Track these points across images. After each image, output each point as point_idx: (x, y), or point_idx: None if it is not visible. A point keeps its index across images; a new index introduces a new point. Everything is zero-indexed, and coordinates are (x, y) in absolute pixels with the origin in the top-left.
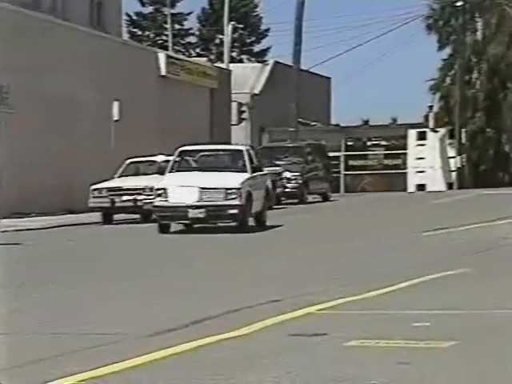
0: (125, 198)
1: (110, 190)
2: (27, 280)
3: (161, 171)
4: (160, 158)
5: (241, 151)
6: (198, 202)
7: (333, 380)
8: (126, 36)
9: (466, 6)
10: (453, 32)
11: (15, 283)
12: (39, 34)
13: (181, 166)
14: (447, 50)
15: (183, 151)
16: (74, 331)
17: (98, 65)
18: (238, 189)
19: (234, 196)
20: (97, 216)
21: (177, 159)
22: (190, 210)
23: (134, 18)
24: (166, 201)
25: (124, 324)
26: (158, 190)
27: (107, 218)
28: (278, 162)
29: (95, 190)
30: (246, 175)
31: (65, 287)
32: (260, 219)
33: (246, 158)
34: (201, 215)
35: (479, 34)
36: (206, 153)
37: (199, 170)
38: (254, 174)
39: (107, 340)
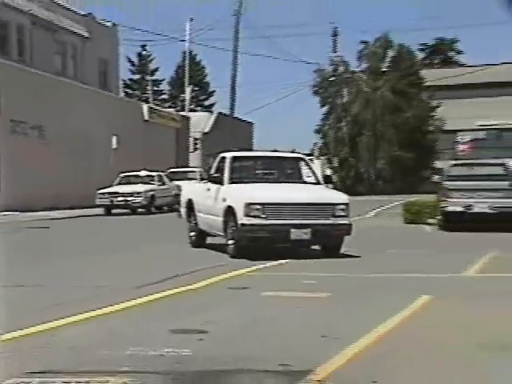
0: (120, 198)
1: (109, 193)
2: (52, 251)
3: (144, 181)
4: (143, 173)
5: (304, 160)
6: (303, 220)
7: (258, 319)
8: (122, 94)
9: (337, 80)
10: (329, 96)
11: (37, 254)
12: (66, 92)
13: (245, 176)
14: (326, 108)
15: (237, 157)
16: (74, 286)
17: (104, 112)
18: (347, 204)
19: (343, 213)
20: (101, 210)
21: (233, 166)
22: (292, 231)
23: (128, 82)
24: (264, 218)
25: (115, 281)
26: (251, 205)
27: (108, 212)
28: None
29: (100, 193)
30: (326, 188)
31: (78, 256)
32: None
33: (312, 167)
34: (306, 236)
35: (345, 98)
36: (265, 160)
37: (275, 182)
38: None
39: (100, 291)
